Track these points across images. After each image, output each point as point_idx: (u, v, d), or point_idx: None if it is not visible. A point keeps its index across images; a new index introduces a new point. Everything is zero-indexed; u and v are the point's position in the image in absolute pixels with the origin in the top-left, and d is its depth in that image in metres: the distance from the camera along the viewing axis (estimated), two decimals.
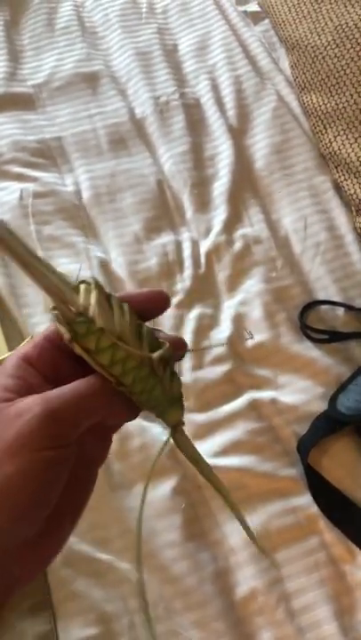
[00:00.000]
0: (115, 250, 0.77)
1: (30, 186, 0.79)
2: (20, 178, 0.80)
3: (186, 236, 0.78)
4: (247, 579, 0.59)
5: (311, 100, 0.85)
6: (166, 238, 0.78)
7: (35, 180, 0.80)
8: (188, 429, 0.31)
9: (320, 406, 0.67)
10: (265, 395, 0.68)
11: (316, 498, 0.63)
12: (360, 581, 0.60)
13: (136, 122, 0.87)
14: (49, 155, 0.84)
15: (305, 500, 0.63)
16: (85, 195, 0.80)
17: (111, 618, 0.57)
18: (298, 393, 0.69)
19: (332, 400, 0.67)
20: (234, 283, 0.75)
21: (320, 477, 0.64)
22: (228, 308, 0.74)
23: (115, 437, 0.32)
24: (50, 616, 0.55)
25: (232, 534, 0.61)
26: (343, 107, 0.80)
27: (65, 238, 0.77)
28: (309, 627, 0.57)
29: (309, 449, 0.65)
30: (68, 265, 0.75)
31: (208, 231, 0.79)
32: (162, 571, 0.59)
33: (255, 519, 0.62)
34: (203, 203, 0.81)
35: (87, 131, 0.85)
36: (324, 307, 0.74)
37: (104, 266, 0.76)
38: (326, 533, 0.62)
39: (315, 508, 0.63)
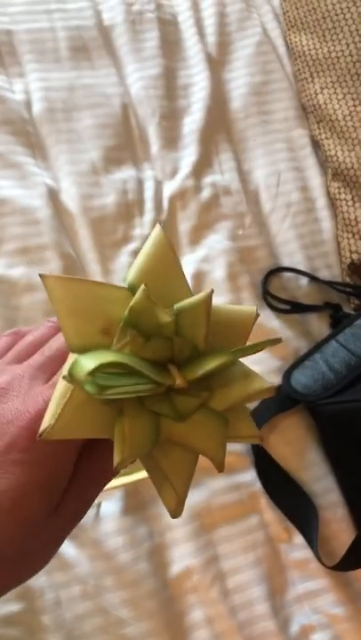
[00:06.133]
0: (67, 178, 0.66)
1: None
2: None
3: (149, 175, 0.69)
4: (183, 557, 0.56)
5: (300, 40, 0.77)
6: (127, 173, 0.69)
7: None
8: None
9: (274, 380, 0.64)
10: None
11: (261, 475, 0.61)
12: (293, 561, 0.59)
13: (103, 29, 0.74)
14: None
15: (250, 477, 0.60)
16: (37, 107, 0.68)
17: (35, 593, 0.52)
18: (252, 364, 0.64)
19: (287, 375, 0.64)
20: (197, 236, 0.68)
21: (266, 454, 0.62)
22: (189, 263, 0.67)
23: None
24: None
25: None
26: (337, 55, 0.73)
27: (9, 156, 0.65)
28: (241, 606, 0.56)
29: (259, 425, 0.62)
30: (10, 189, 0.64)
31: (174, 172, 0.70)
32: (95, 546, 0.54)
33: (197, 495, 0.58)
34: (171, 138, 0.72)
35: (44, 29, 0.71)
36: (287, 274, 0.69)
37: (53, 195, 0.65)
38: (267, 512, 0.60)
39: (258, 486, 0.60)
